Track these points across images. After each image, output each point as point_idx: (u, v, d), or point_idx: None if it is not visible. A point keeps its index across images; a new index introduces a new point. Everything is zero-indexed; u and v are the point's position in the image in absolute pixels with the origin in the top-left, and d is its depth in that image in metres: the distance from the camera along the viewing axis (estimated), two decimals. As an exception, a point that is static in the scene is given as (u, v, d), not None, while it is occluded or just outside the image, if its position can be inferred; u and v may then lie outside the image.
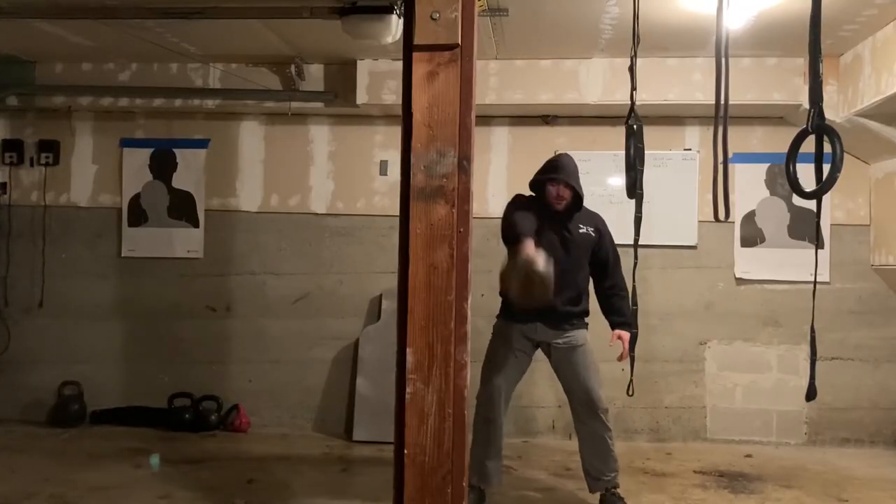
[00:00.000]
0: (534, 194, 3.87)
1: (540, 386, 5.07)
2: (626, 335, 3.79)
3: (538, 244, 3.59)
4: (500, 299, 3.98)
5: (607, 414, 3.80)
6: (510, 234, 3.55)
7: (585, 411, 3.80)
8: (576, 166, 3.83)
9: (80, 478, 4.25)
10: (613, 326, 3.88)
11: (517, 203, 3.81)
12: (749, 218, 5.33)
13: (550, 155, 5.34)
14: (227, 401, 5.52)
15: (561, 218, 3.79)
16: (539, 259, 3.31)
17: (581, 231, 3.83)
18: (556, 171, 3.78)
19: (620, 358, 3.80)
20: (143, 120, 5.71)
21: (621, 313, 3.84)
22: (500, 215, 5.38)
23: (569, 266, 3.77)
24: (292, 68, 5.15)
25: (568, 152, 4.00)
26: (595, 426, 3.79)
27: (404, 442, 2.02)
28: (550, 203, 3.76)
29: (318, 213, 5.59)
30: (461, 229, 2.03)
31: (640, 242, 3.31)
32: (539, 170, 3.88)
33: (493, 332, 3.92)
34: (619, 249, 3.96)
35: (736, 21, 4.08)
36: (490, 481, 3.84)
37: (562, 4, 4.05)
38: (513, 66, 5.05)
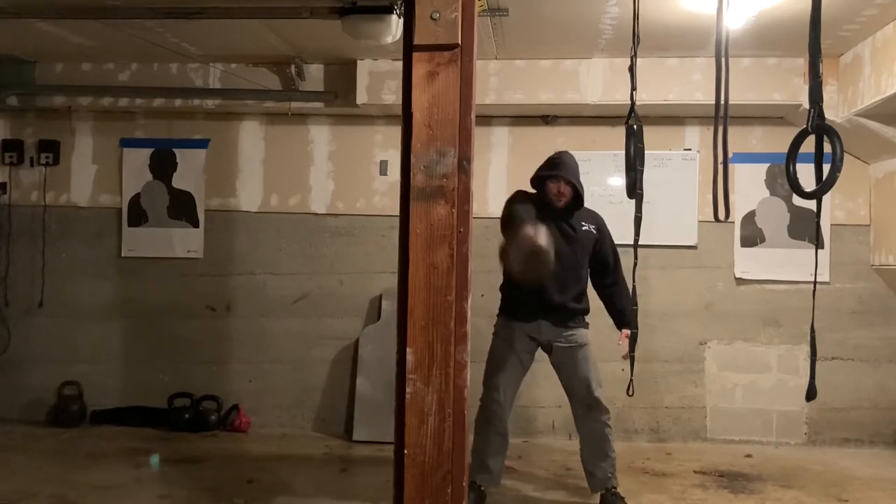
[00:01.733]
0: (535, 191, 3.88)
1: (540, 386, 5.07)
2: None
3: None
4: (499, 298, 3.99)
5: (607, 413, 3.81)
6: (510, 222, 3.59)
7: (585, 410, 3.81)
8: (577, 164, 3.86)
9: (80, 478, 4.25)
10: (620, 326, 3.89)
11: (517, 198, 3.83)
12: (749, 218, 5.33)
13: (550, 155, 5.38)
14: (227, 401, 5.52)
15: (562, 215, 3.80)
16: (541, 234, 3.33)
17: (583, 228, 3.86)
18: (557, 168, 3.79)
19: (625, 356, 3.78)
20: (143, 120, 5.71)
21: (625, 311, 3.82)
22: (501, 216, 5.43)
23: (572, 262, 3.80)
24: (292, 68, 5.15)
25: (569, 151, 4.01)
26: (594, 424, 3.80)
27: (404, 442, 2.02)
28: (551, 200, 3.77)
29: (318, 213, 5.59)
30: (461, 229, 2.03)
31: (640, 242, 3.31)
32: (540, 166, 3.89)
33: (494, 330, 3.92)
34: (618, 249, 3.97)
35: (736, 21, 4.08)
36: (491, 481, 3.84)
37: (562, 4, 4.05)
38: (513, 66, 5.05)
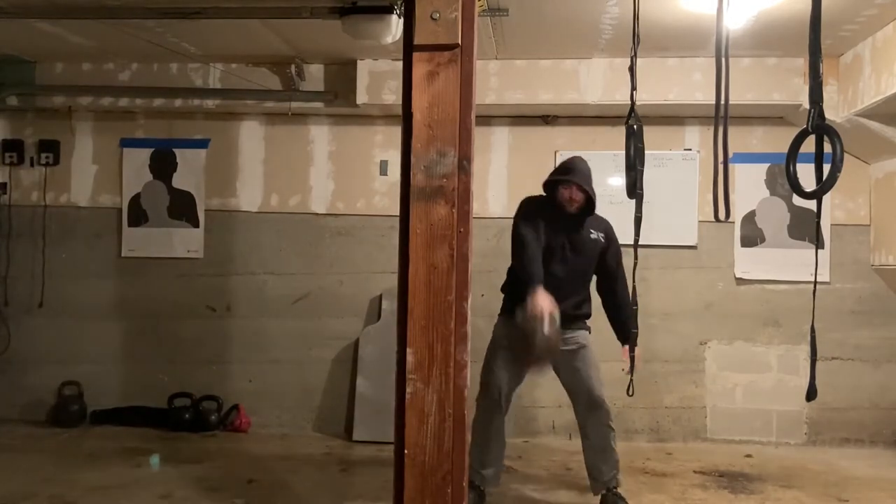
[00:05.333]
0: (544, 194, 3.85)
1: (540, 386, 5.07)
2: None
3: (548, 248, 3.67)
4: (500, 299, 3.98)
5: (610, 414, 3.80)
6: (520, 263, 3.64)
7: (588, 411, 3.80)
8: (589, 170, 3.81)
9: (80, 478, 4.25)
10: (622, 340, 3.88)
11: (527, 208, 3.80)
12: (749, 218, 5.33)
13: (551, 155, 5.40)
14: (227, 401, 5.52)
15: (572, 221, 3.78)
16: (545, 322, 3.44)
17: (592, 236, 3.82)
18: (570, 174, 3.76)
19: (626, 371, 3.74)
20: (143, 120, 5.71)
21: (627, 326, 3.73)
22: (501, 215, 5.45)
23: (577, 270, 3.80)
24: (292, 68, 5.15)
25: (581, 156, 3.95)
26: (597, 426, 3.79)
27: (404, 442, 2.02)
28: (562, 205, 3.75)
29: (318, 213, 5.59)
30: (461, 229, 2.03)
31: (640, 242, 3.31)
32: (553, 171, 3.88)
33: (494, 331, 3.92)
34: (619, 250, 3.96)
35: (736, 21, 4.08)
36: (488, 483, 3.84)
37: (562, 4, 4.05)
38: (513, 66, 5.05)
